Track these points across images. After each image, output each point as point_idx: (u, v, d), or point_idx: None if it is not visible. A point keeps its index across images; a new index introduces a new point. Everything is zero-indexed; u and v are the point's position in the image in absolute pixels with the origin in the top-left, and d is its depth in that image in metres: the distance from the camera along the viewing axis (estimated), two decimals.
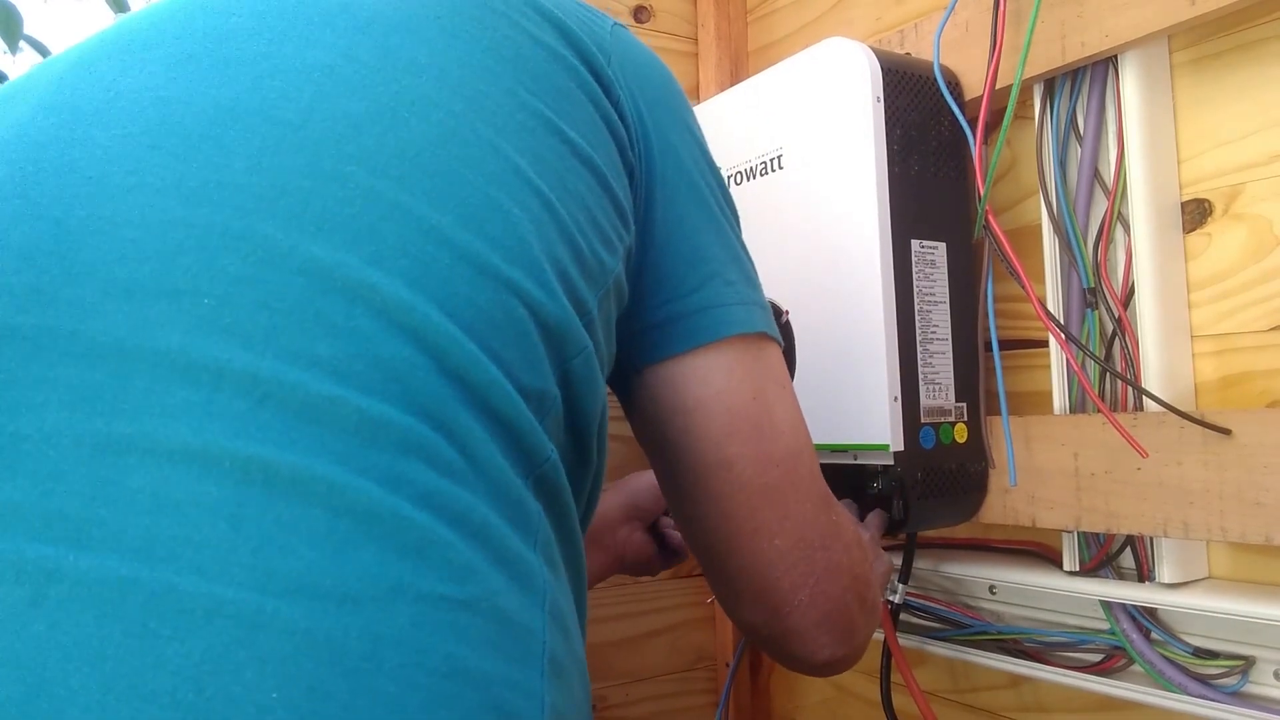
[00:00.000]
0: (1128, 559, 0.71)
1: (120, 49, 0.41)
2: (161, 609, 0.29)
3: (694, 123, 0.55)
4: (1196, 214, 0.69)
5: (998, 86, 0.72)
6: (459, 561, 0.33)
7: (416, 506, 0.33)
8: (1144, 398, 0.67)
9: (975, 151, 0.72)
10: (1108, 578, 0.72)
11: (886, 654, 0.83)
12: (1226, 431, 0.62)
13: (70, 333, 0.33)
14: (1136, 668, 0.71)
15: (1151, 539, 0.69)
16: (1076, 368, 0.70)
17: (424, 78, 0.42)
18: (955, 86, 0.77)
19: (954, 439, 0.75)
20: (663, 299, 0.50)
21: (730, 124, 0.85)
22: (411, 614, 0.31)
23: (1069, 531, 0.73)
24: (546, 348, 0.40)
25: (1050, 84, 0.75)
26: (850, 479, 0.75)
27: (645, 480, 0.78)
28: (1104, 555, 0.71)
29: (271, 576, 0.30)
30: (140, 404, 0.32)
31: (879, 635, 0.83)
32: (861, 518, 0.75)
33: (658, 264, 0.50)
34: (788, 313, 0.79)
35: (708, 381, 0.50)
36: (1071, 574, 0.73)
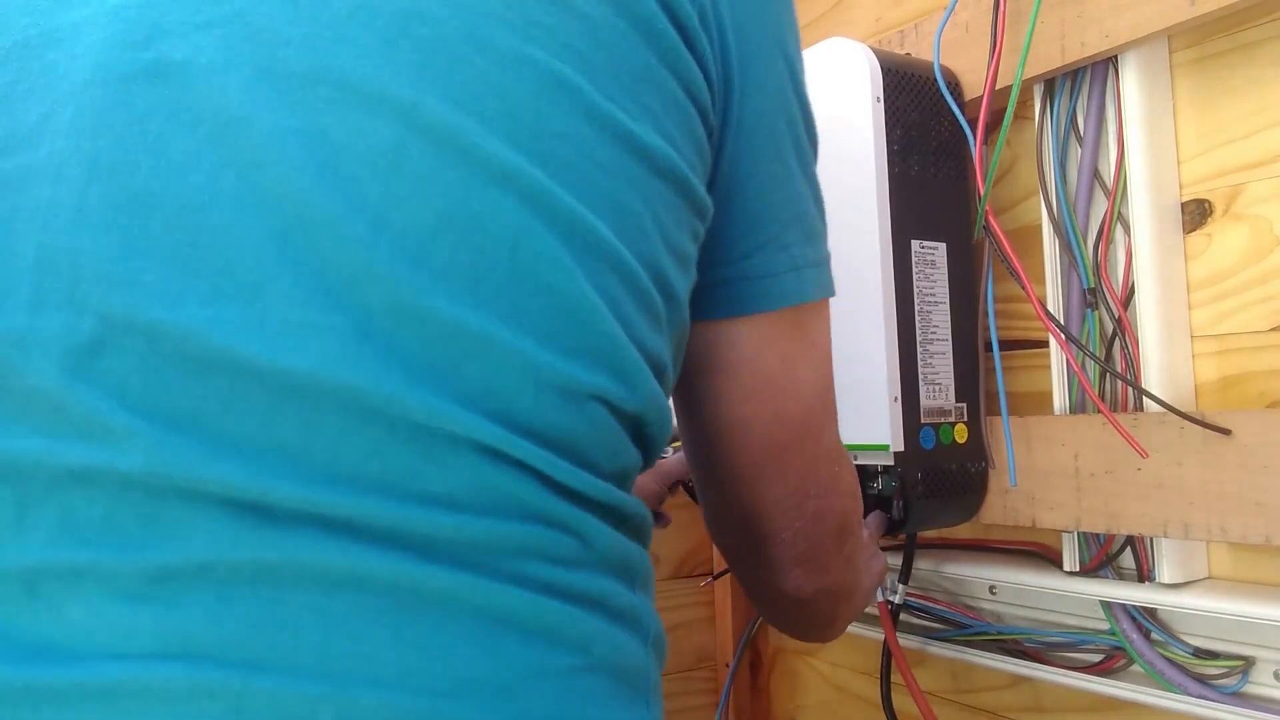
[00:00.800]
0: (1128, 559, 0.71)
1: None
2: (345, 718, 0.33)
3: (789, 38, 0.51)
4: (1196, 214, 0.69)
5: (998, 87, 0.72)
6: (584, 632, 0.38)
7: (544, 595, 0.37)
8: (1144, 398, 0.67)
9: (975, 152, 0.72)
10: (1108, 578, 0.72)
11: (887, 654, 0.83)
12: (1226, 432, 0.62)
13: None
14: (1136, 668, 0.71)
15: (1151, 539, 0.69)
16: (1076, 368, 0.70)
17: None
18: (955, 87, 0.77)
19: (954, 439, 0.75)
20: (714, 260, 0.48)
21: None
22: (553, 689, 0.36)
23: (1069, 532, 0.73)
24: (631, 437, 0.43)
25: (1050, 84, 0.75)
26: None
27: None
28: (1104, 555, 0.71)
29: (436, 679, 0.34)
30: (288, 531, 0.34)
31: (879, 635, 0.83)
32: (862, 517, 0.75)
33: (718, 225, 0.48)
34: None
35: (739, 346, 0.50)
36: (1071, 574, 0.73)
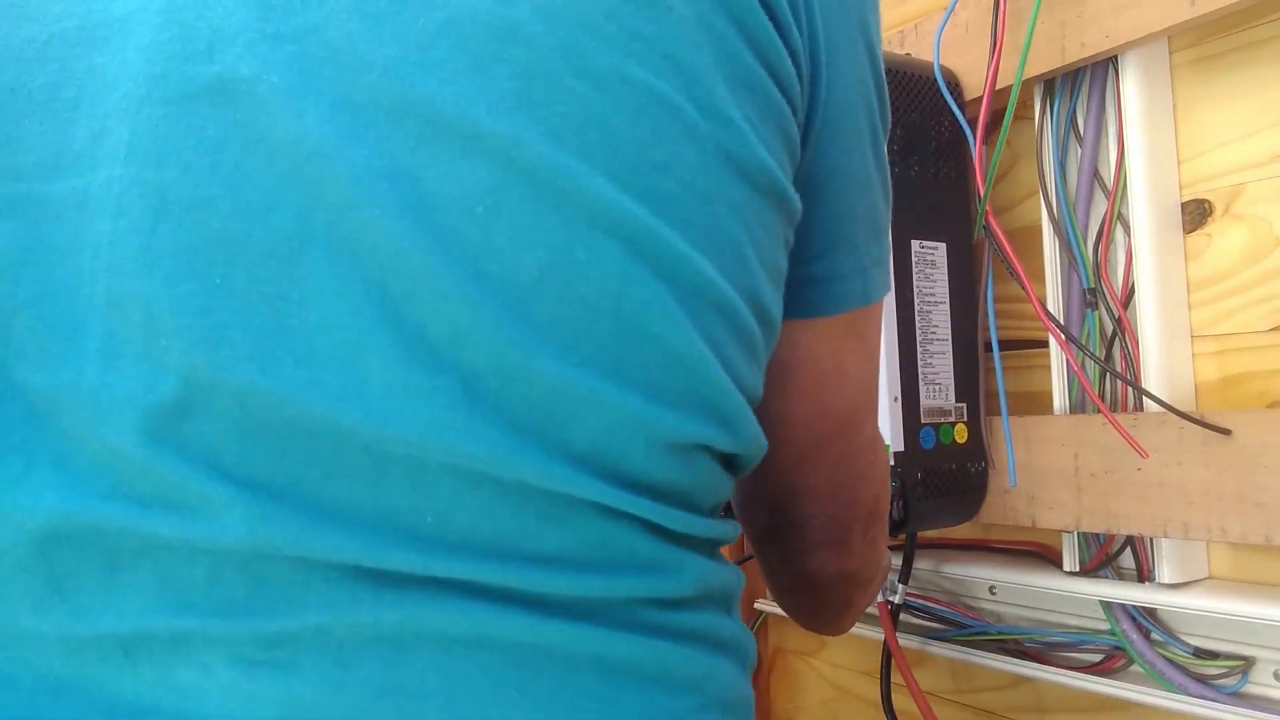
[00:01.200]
0: (1128, 559, 0.71)
1: None
2: None
3: (870, 13, 0.47)
4: (1196, 214, 0.69)
5: (998, 87, 0.72)
6: (696, 671, 0.38)
7: (658, 638, 0.37)
8: (1144, 398, 0.67)
9: (975, 152, 0.72)
10: (1108, 578, 0.72)
11: (887, 654, 0.83)
12: (1226, 432, 0.62)
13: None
14: (1136, 668, 0.71)
15: (1151, 539, 0.69)
16: (1076, 368, 0.70)
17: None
18: (955, 87, 0.77)
19: (954, 439, 0.75)
20: (790, 259, 0.46)
21: None
22: None
23: (1069, 532, 0.73)
24: (729, 471, 0.43)
25: (1050, 84, 0.75)
26: None
27: None
28: (1104, 555, 0.71)
29: None
30: (405, 592, 0.33)
31: (879, 635, 0.83)
32: None
33: (803, 216, 0.46)
34: None
35: (798, 347, 0.49)
36: (1071, 574, 0.73)
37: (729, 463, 0.42)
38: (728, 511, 0.79)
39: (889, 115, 0.50)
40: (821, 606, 0.62)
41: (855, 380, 0.51)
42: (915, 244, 0.75)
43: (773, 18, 0.39)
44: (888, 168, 0.50)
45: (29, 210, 0.34)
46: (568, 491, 0.34)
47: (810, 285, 0.47)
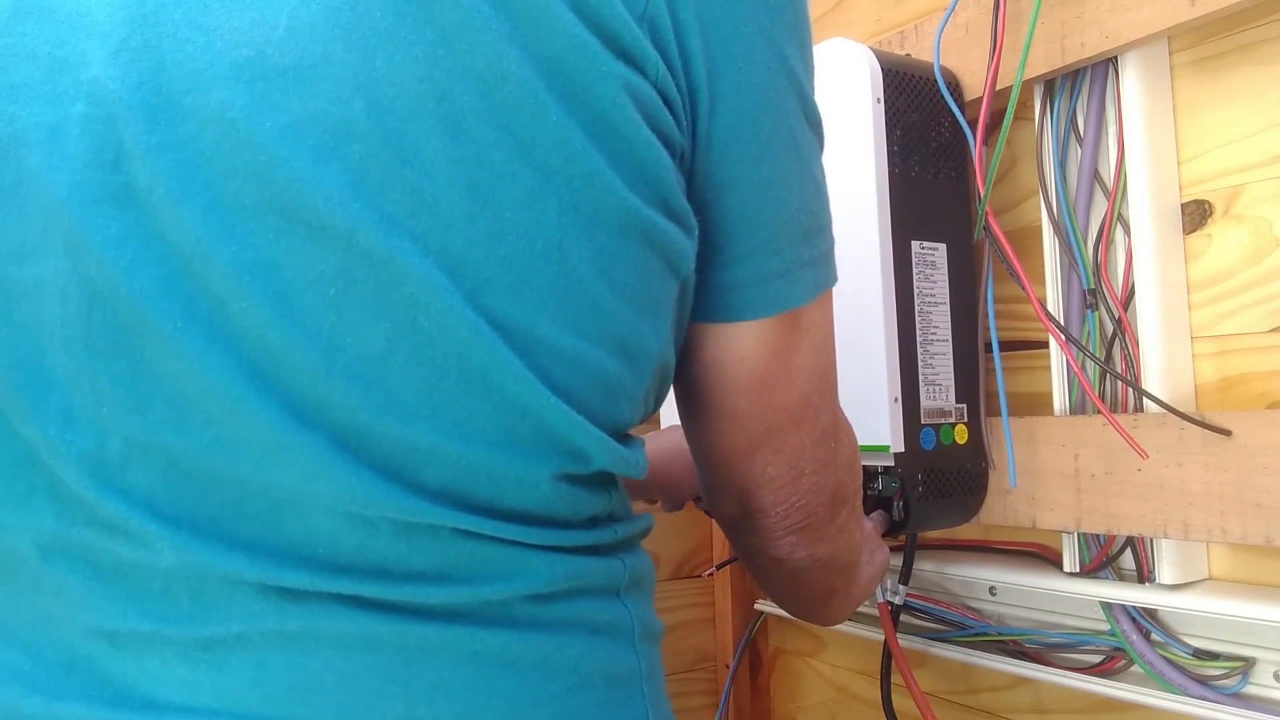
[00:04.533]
0: (1128, 560, 0.71)
1: None
2: None
3: (778, 24, 0.47)
4: (1197, 215, 0.69)
5: (998, 87, 0.72)
6: (571, 655, 0.42)
7: (532, 631, 0.42)
8: (1144, 399, 0.67)
9: (975, 152, 0.72)
10: (1108, 579, 0.72)
11: (887, 655, 0.83)
12: (1226, 433, 0.62)
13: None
14: (1137, 669, 0.71)
15: (1151, 540, 0.69)
16: (1076, 369, 0.70)
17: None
18: (955, 87, 0.77)
19: (954, 440, 0.75)
20: (704, 264, 0.48)
21: None
22: (549, 711, 0.41)
23: (1069, 533, 0.73)
24: (601, 486, 0.46)
25: (1050, 85, 0.75)
26: None
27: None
28: (1104, 556, 0.71)
29: (442, 718, 0.40)
30: (305, 605, 0.40)
31: (880, 636, 0.83)
32: None
33: (705, 228, 0.47)
34: None
35: (731, 348, 0.50)
36: (1072, 575, 0.73)
37: (598, 480, 0.45)
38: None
39: (819, 121, 0.51)
40: (801, 592, 0.62)
41: (806, 372, 0.52)
42: (915, 245, 0.75)
43: (621, 53, 0.41)
44: (818, 167, 0.50)
45: (1, 290, 0.40)
46: (428, 521, 0.40)
47: (729, 290, 0.48)
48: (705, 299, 0.49)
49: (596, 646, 0.44)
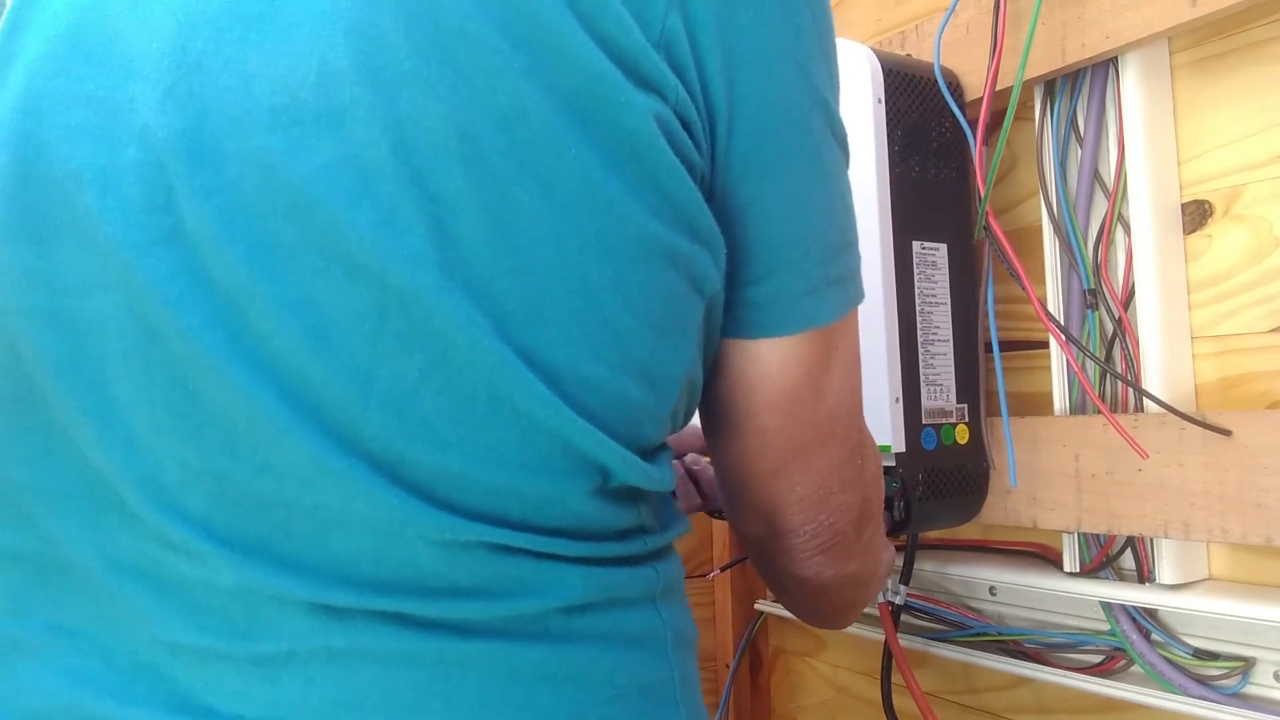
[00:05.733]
0: (1128, 560, 0.71)
1: None
2: None
3: (801, 41, 0.47)
4: (1197, 215, 0.69)
5: (998, 88, 0.72)
6: (607, 667, 0.44)
7: (567, 644, 0.43)
8: (1144, 399, 0.67)
9: (976, 152, 0.72)
10: (1108, 579, 0.72)
11: (887, 655, 0.83)
12: (1227, 433, 0.62)
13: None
14: (1137, 669, 0.71)
15: (1152, 540, 0.69)
16: (1077, 369, 0.70)
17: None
18: (956, 88, 0.77)
19: (955, 440, 0.75)
20: (731, 280, 0.48)
21: None
22: None
23: (1069, 533, 0.73)
24: (630, 501, 0.47)
25: (1050, 85, 0.75)
26: None
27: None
28: (1104, 556, 0.71)
29: None
30: (351, 624, 0.42)
31: (880, 636, 0.83)
32: None
33: (729, 244, 0.47)
34: None
35: (758, 364, 0.50)
36: (1072, 575, 0.73)
37: (628, 494, 0.46)
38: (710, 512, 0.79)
39: (844, 137, 0.50)
40: (823, 607, 0.62)
41: (835, 392, 0.52)
42: (916, 245, 0.75)
43: (644, 80, 0.42)
44: (844, 184, 0.50)
45: (66, 322, 0.42)
46: (464, 539, 0.41)
47: (754, 307, 0.48)
48: (732, 315, 0.49)
49: (630, 658, 0.45)
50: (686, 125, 0.44)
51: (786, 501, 0.53)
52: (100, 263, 0.42)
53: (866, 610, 0.91)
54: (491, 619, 0.42)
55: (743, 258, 0.47)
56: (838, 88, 0.50)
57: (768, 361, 0.49)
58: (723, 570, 1.07)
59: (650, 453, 0.47)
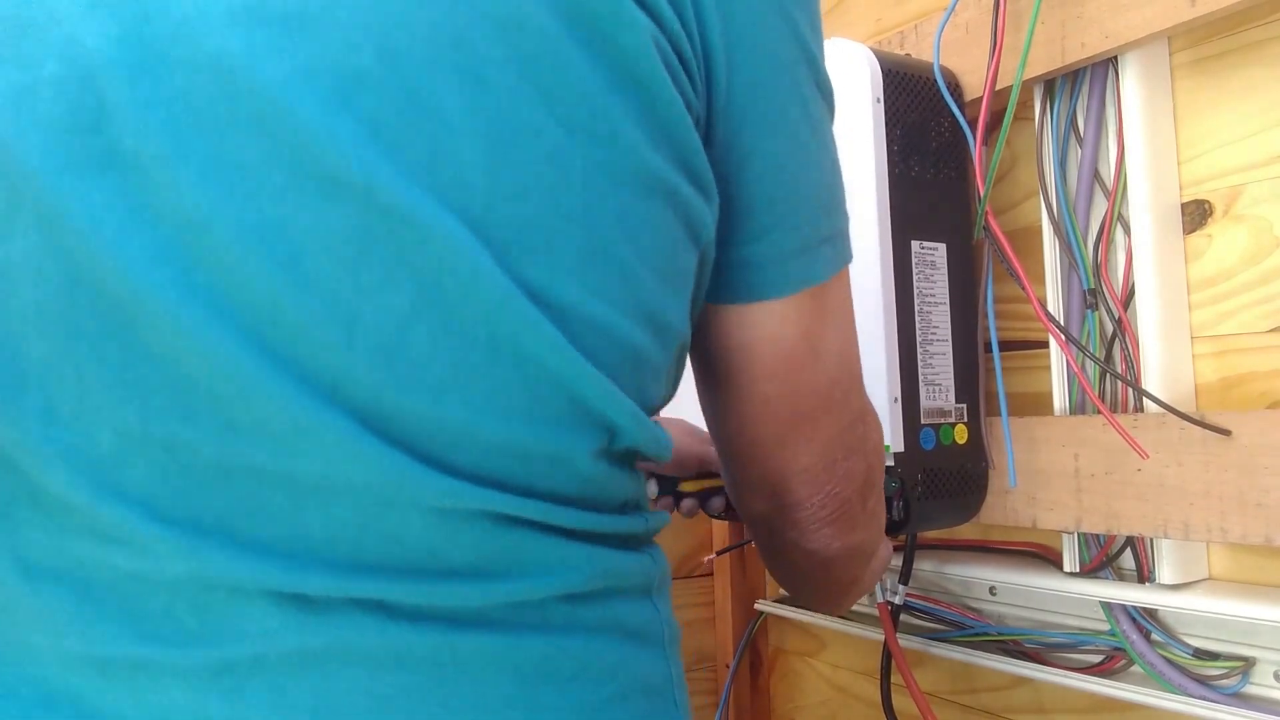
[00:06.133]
0: (1128, 560, 0.71)
1: None
2: None
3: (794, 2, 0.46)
4: (1197, 215, 0.69)
5: (998, 87, 0.72)
6: (610, 661, 0.41)
7: (570, 636, 0.39)
8: (1144, 399, 0.67)
9: (975, 152, 0.72)
10: (1108, 579, 0.72)
11: (887, 655, 0.83)
12: (1226, 432, 0.62)
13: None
14: (1137, 669, 0.71)
15: (1151, 540, 0.69)
16: (1076, 369, 0.70)
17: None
18: (955, 87, 0.77)
19: (954, 440, 0.75)
20: (724, 241, 0.46)
21: None
22: None
23: (1069, 532, 0.73)
24: (630, 467, 0.44)
25: (1050, 85, 0.75)
26: None
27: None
28: (1104, 556, 0.71)
29: None
30: (328, 616, 0.37)
31: (879, 636, 0.83)
32: None
33: (724, 203, 0.45)
34: None
35: (756, 329, 0.48)
36: (1072, 575, 0.73)
37: (629, 458, 0.44)
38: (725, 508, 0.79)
39: (831, 95, 0.49)
40: (827, 583, 0.61)
41: (834, 356, 0.50)
42: (915, 245, 0.75)
43: (644, 2, 0.39)
44: (831, 139, 0.49)
45: None
46: (462, 505, 0.37)
47: (750, 268, 0.46)
48: (727, 278, 0.47)
49: (631, 654, 0.42)
50: (683, 62, 0.41)
51: (792, 471, 0.52)
52: (9, 199, 0.35)
53: (866, 610, 0.91)
54: (489, 606, 0.37)
55: (739, 215, 0.45)
56: (821, 39, 0.49)
57: (766, 326, 0.48)
58: (719, 554, 1.06)
59: (653, 411, 0.45)
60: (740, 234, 0.46)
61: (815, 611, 0.97)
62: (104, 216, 0.35)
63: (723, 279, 0.47)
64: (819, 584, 0.61)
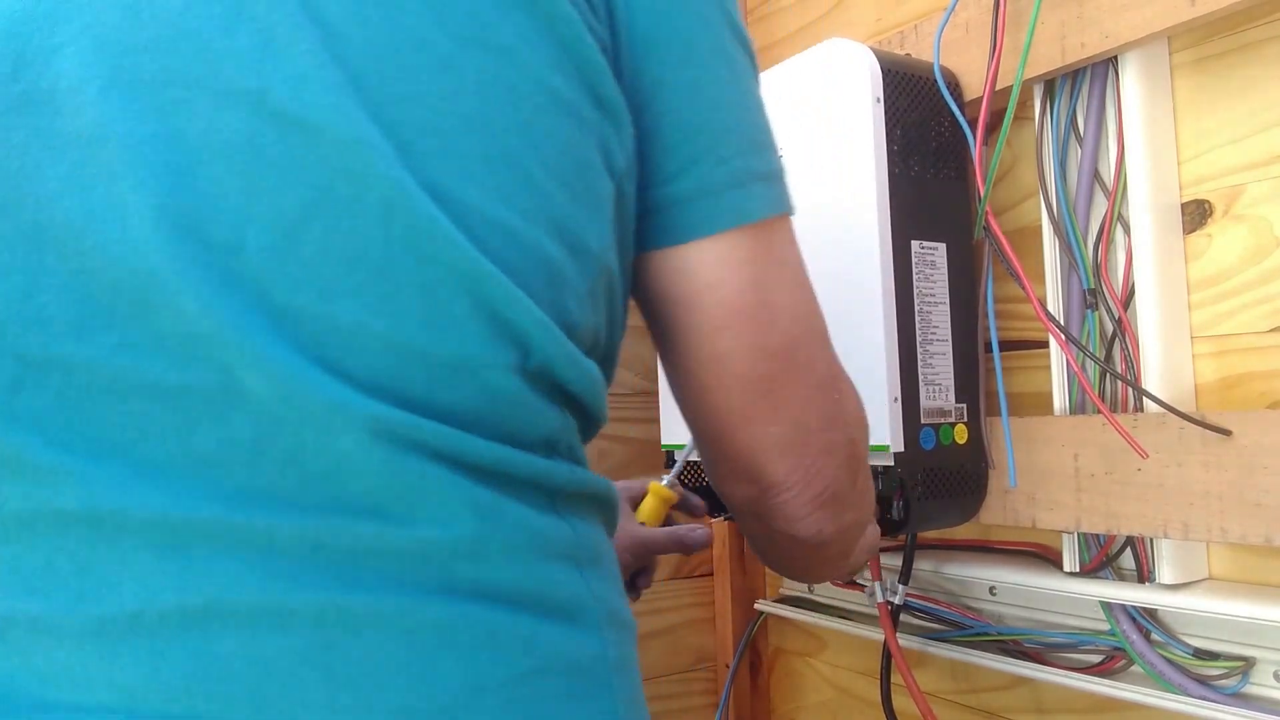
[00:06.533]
0: (1128, 560, 0.71)
1: None
2: None
3: None
4: (1197, 215, 0.69)
5: (998, 87, 0.72)
6: (523, 635, 0.37)
7: (476, 602, 0.36)
8: (1144, 399, 0.67)
9: (975, 152, 0.72)
10: (1108, 579, 0.72)
11: (887, 655, 0.83)
12: (1226, 432, 0.62)
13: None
14: (1137, 669, 0.71)
15: (1151, 540, 0.69)
16: (1076, 369, 0.70)
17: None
18: (955, 87, 0.77)
19: (954, 440, 0.75)
20: (648, 183, 0.45)
21: None
22: (496, 703, 0.36)
23: (1069, 532, 0.73)
24: (552, 399, 0.42)
25: (1050, 85, 0.75)
26: None
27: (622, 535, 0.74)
28: (1104, 556, 0.71)
29: (370, 713, 0.34)
30: (209, 566, 0.35)
31: (879, 636, 0.83)
32: None
33: (642, 140, 0.45)
34: None
35: (696, 274, 0.46)
36: (1072, 575, 0.73)
37: (548, 388, 0.41)
38: (713, 505, 0.79)
39: (745, 39, 0.49)
40: (819, 562, 0.59)
41: (789, 311, 0.48)
42: (915, 244, 0.75)
43: None
44: (755, 86, 0.48)
45: None
46: (359, 416, 0.35)
47: (679, 206, 0.45)
48: (659, 220, 0.46)
49: (552, 626, 0.39)
50: (597, 17, 0.42)
51: (765, 446, 0.49)
52: None
53: (866, 610, 0.92)
54: (385, 549, 0.35)
55: (659, 151, 0.45)
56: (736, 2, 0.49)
57: (704, 269, 0.46)
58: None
59: (577, 339, 0.43)
60: (664, 171, 0.45)
61: (803, 622, 0.95)
62: (22, 154, 0.37)
63: (655, 222, 0.46)
64: (811, 563, 0.59)
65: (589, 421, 0.46)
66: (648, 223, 0.46)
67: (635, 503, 0.76)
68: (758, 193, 0.46)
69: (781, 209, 0.48)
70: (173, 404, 0.35)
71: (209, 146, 0.36)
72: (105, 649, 0.34)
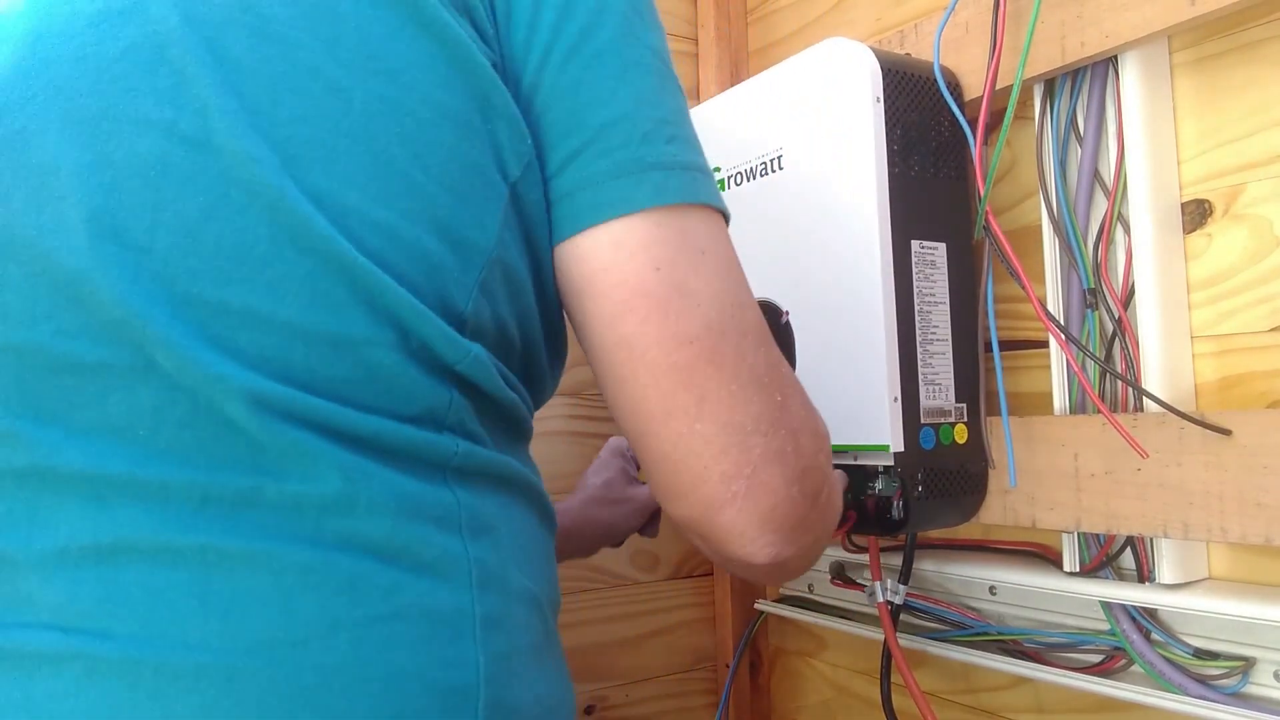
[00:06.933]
0: (1128, 559, 0.71)
1: None
2: (162, 677, 0.40)
3: None
4: (1197, 214, 0.69)
5: (998, 87, 0.72)
6: (383, 584, 0.42)
7: (340, 551, 0.42)
8: (1144, 398, 0.67)
9: (975, 152, 0.72)
10: (1108, 578, 0.72)
11: (887, 655, 0.83)
12: (1227, 432, 0.62)
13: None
14: (1137, 668, 0.71)
15: (1151, 540, 0.69)
16: (1076, 368, 0.70)
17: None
18: (955, 87, 0.77)
19: (954, 440, 0.75)
20: (545, 181, 0.49)
21: (730, 124, 0.85)
22: (350, 639, 0.41)
23: (1069, 532, 0.73)
24: (435, 375, 0.46)
25: (1050, 84, 0.75)
26: (850, 480, 0.75)
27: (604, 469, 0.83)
28: (1104, 556, 0.71)
29: (235, 639, 0.40)
30: (118, 511, 0.42)
31: (879, 635, 0.83)
32: (862, 517, 0.75)
33: (535, 131, 0.48)
34: (787, 314, 0.79)
35: (590, 259, 0.47)
36: (1072, 575, 0.73)
37: (429, 364, 0.46)
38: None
39: (655, 26, 0.51)
40: (789, 575, 0.57)
41: (709, 298, 0.47)
42: (915, 244, 0.75)
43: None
44: (666, 78, 0.50)
45: None
46: (245, 393, 0.42)
47: (565, 199, 0.48)
48: (553, 217, 0.49)
49: (416, 578, 0.43)
50: (470, 10, 0.47)
51: (693, 448, 0.47)
52: None
53: (866, 610, 0.92)
54: (265, 502, 0.42)
55: (547, 149, 0.49)
56: None
57: (598, 255, 0.47)
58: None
59: (465, 325, 0.46)
60: (551, 167, 0.49)
61: (803, 621, 0.97)
62: (1, 182, 0.44)
63: (552, 218, 0.49)
64: (778, 579, 0.61)
65: (488, 402, 0.48)
66: (552, 220, 0.49)
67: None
68: (652, 180, 0.47)
69: (688, 198, 0.48)
70: (93, 378, 0.42)
71: (129, 166, 0.43)
72: (44, 578, 0.41)
